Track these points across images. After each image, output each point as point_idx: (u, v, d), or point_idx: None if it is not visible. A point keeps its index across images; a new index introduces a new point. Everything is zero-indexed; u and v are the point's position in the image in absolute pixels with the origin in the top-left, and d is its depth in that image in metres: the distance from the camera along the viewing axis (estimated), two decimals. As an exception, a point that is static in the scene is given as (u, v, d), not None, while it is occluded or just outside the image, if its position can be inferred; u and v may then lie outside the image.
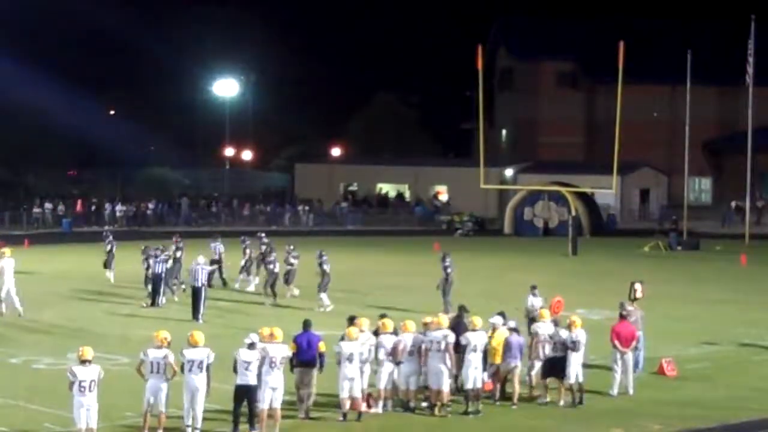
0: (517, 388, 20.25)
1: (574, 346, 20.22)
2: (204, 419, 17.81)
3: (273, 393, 18.03)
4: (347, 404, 18.87)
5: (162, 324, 24.16)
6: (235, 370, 17.96)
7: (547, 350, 20.55)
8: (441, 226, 69.73)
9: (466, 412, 19.55)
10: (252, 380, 17.87)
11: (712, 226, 67.19)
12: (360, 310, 26.39)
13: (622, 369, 21.17)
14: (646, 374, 22.63)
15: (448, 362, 19.48)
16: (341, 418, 18.85)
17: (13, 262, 30.67)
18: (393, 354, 19.49)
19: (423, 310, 26.06)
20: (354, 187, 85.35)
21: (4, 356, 24.22)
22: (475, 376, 19.62)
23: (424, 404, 19.75)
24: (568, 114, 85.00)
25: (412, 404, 19.66)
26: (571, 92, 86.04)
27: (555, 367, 20.36)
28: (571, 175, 66.75)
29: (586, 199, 64.36)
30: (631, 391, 21.12)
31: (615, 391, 21.03)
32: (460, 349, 19.83)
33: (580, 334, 20.39)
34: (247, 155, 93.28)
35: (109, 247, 38.31)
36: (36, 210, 66.67)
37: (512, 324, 20.98)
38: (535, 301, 25.22)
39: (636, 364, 22.17)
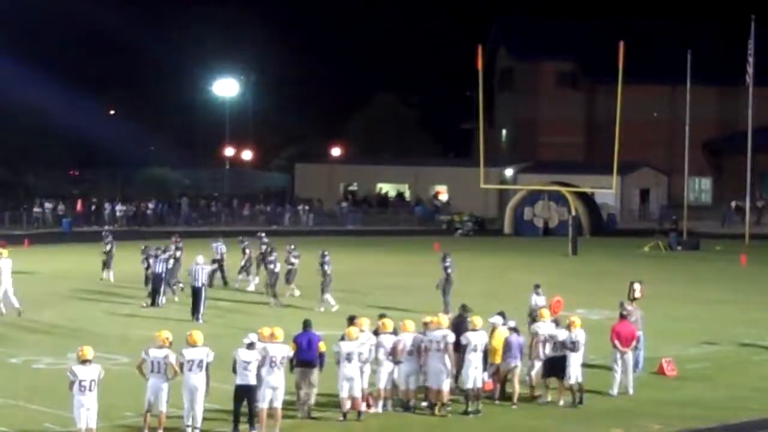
0: (517, 388, 20.25)
1: (573, 346, 20.21)
2: (204, 419, 17.80)
3: (274, 393, 18.03)
4: (347, 404, 18.87)
5: (162, 324, 24.18)
6: (234, 370, 17.97)
7: (548, 350, 20.55)
8: (441, 226, 69.75)
9: (466, 412, 19.56)
10: (252, 380, 17.88)
11: (712, 226, 67.20)
12: (360, 310, 26.38)
13: (622, 369, 21.16)
14: (646, 374, 22.63)
15: (448, 362, 19.48)
16: (341, 418, 18.86)
17: (10, 263, 30.64)
18: (393, 354, 19.50)
19: (423, 310, 26.05)
20: (354, 187, 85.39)
21: (4, 356, 24.21)
22: (475, 375, 19.62)
23: (424, 404, 19.75)
24: (568, 114, 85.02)
25: (412, 403, 19.67)
26: (571, 92, 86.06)
27: (555, 366, 20.36)
28: (571, 175, 66.76)
29: (586, 199, 64.38)
30: (631, 391, 21.12)
31: (615, 391, 21.02)
32: (460, 349, 19.85)
33: (579, 335, 20.38)
34: (247, 155, 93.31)
35: (108, 247, 38.34)
36: (36, 210, 66.70)
37: (512, 324, 20.98)
38: (539, 300, 25.22)
39: (636, 364, 22.17)
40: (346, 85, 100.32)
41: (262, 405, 17.94)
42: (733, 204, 69.47)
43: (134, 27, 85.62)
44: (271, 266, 33.09)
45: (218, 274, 36.66)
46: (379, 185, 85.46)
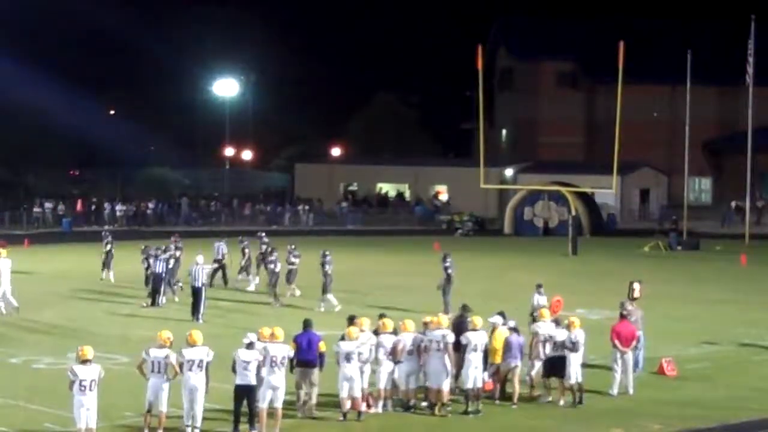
0: (517, 388, 20.25)
1: (573, 346, 20.21)
2: (204, 419, 17.80)
3: (274, 393, 18.04)
4: (347, 404, 18.87)
5: (162, 324, 24.19)
6: (233, 370, 17.97)
7: (548, 350, 20.55)
8: (441, 226, 69.76)
9: (466, 412, 19.56)
10: (252, 380, 17.88)
11: (712, 226, 67.19)
12: (360, 310, 26.37)
13: (622, 369, 21.16)
14: (646, 374, 22.62)
15: (448, 362, 19.48)
16: (341, 418, 18.85)
17: (9, 263, 30.65)
18: (392, 354, 19.50)
19: (423, 310, 26.06)
20: (354, 187, 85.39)
21: (4, 356, 24.21)
22: (475, 375, 19.62)
23: (424, 404, 19.75)
24: (568, 114, 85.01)
25: (412, 403, 19.67)
26: (571, 92, 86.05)
27: (555, 366, 20.35)
28: (571, 175, 66.76)
29: (586, 199, 64.39)
30: (631, 391, 21.11)
31: (615, 390, 21.02)
32: (460, 349, 19.85)
33: (578, 335, 20.38)
34: (247, 155, 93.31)
35: (108, 248, 38.33)
36: (36, 210, 66.70)
37: (512, 324, 20.98)
38: (541, 300, 25.22)
39: (636, 364, 22.16)
40: (346, 85, 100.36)
41: (262, 405, 17.94)
42: (733, 204, 69.46)
43: (134, 27, 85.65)
44: (272, 266, 33.09)
45: (220, 274, 36.67)
46: (379, 185, 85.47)
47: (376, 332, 19.79)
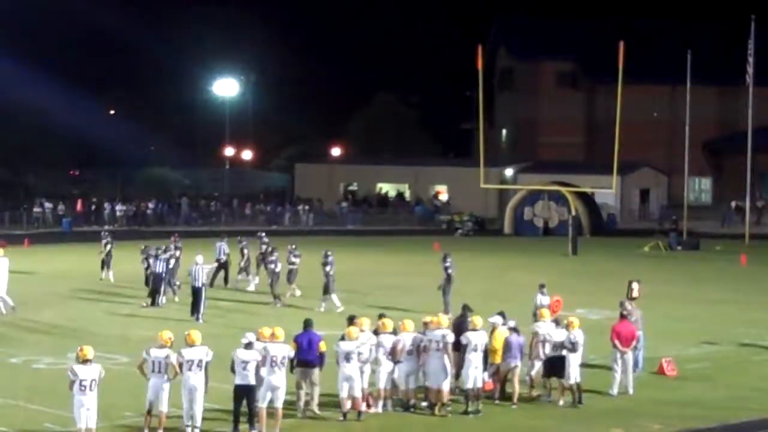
0: (517, 388, 20.25)
1: (572, 347, 20.21)
2: (204, 419, 17.80)
3: (275, 393, 18.04)
4: (347, 404, 18.88)
5: (162, 324, 24.20)
6: (232, 370, 17.97)
7: (548, 350, 20.55)
8: (441, 226, 69.76)
9: (466, 412, 19.56)
10: (251, 380, 17.89)
11: (712, 226, 67.18)
12: (360, 310, 26.40)
13: (622, 369, 21.16)
14: (646, 374, 22.62)
15: (447, 362, 19.49)
16: (341, 418, 18.86)
17: (7, 262, 30.64)
18: (392, 353, 19.50)
19: (423, 310, 26.05)
20: (354, 187, 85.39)
21: (4, 356, 24.21)
22: (475, 375, 19.62)
23: (424, 404, 19.75)
24: (568, 114, 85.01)
25: (412, 403, 19.67)
26: (571, 92, 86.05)
27: (555, 366, 20.36)
28: (571, 175, 66.75)
29: (586, 199, 64.39)
30: (631, 391, 21.11)
31: (615, 390, 21.02)
32: (461, 349, 19.85)
33: (578, 335, 20.38)
34: (247, 155, 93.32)
35: (108, 248, 38.33)
36: (36, 210, 66.68)
37: (512, 324, 20.98)
38: (543, 300, 25.20)
39: (636, 364, 22.15)
40: (346, 85, 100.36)
41: (262, 405, 17.94)
42: (733, 204, 69.46)
43: (134, 27, 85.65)
44: (272, 266, 33.09)
45: (221, 274, 36.67)
46: (379, 185, 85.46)
47: (376, 332, 19.79)
